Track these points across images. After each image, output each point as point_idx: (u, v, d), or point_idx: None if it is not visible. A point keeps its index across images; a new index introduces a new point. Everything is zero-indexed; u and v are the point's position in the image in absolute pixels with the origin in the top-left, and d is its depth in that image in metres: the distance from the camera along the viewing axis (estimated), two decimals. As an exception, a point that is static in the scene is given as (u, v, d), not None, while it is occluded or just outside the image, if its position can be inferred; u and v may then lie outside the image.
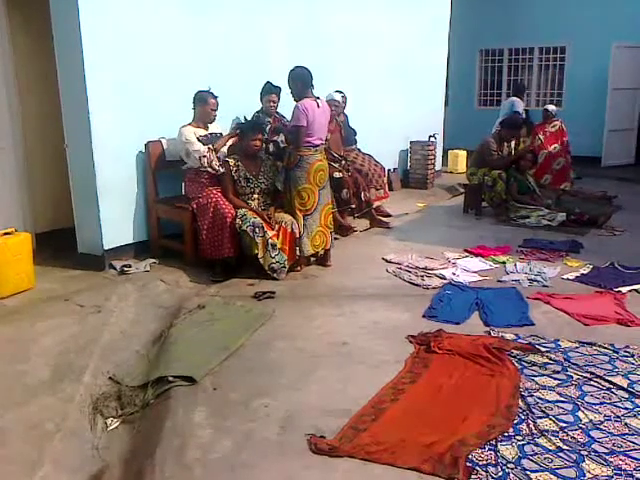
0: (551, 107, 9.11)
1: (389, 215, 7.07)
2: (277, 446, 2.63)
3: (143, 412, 2.95)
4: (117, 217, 5.05)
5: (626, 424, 2.74)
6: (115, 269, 4.92)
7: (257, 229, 4.65)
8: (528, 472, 2.40)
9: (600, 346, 3.56)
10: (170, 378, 3.16)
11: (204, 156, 4.86)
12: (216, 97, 5.05)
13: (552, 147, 8.68)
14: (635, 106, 11.08)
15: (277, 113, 6.03)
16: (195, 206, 4.92)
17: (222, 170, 4.92)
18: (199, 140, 4.95)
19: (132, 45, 4.99)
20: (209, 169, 4.91)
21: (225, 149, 5.11)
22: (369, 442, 2.61)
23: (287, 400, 3.00)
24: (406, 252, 5.54)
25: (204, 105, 5.02)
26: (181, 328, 3.84)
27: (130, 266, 4.93)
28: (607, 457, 2.49)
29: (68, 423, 2.85)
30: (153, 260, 5.12)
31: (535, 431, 2.68)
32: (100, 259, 4.96)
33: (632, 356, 3.43)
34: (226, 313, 4.10)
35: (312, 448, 2.58)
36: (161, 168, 5.24)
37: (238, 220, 4.70)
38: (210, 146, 4.92)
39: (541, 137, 8.70)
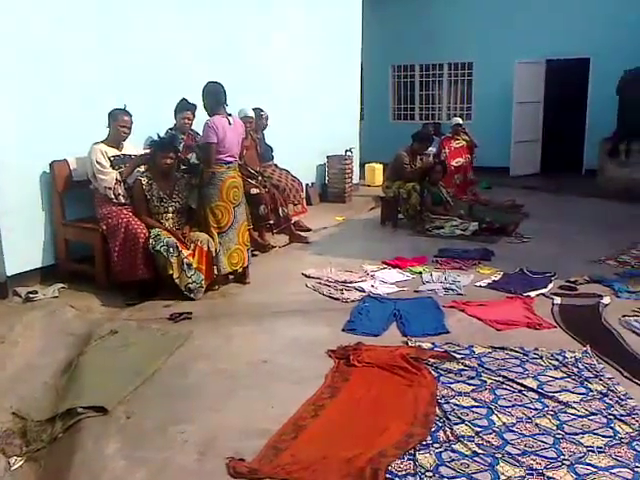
0: (459, 120, 9.46)
1: (308, 230, 7.09)
2: (195, 474, 2.55)
3: (50, 448, 2.80)
4: (21, 241, 4.77)
5: (536, 424, 2.84)
6: (20, 296, 4.64)
7: (171, 249, 4.53)
8: (445, 479, 2.43)
9: (511, 350, 3.69)
10: (80, 409, 3.00)
11: (109, 188, 4.73)
12: (130, 115, 4.89)
13: (455, 161, 8.99)
14: (539, 118, 11.70)
15: (191, 130, 5.94)
16: (105, 227, 4.73)
17: (128, 201, 4.81)
18: (110, 160, 4.79)
19: (35, 60, 4.77)
20: (114, 200, 4.77)
21: (142, 168, 4.97)
22: (290, 461, 2.57)
23: (206, 424, 2.92)
24: (325, 266, 5.55)
25: (115, 122, 4.85)
26: (92, 355, 3.67)
27: (36, 292, 4.67)
28: (519, 458, 2.56)
29: (-34, 466, 2.65)
30: (62, 285, 4.87)
31: (452, 438, 2.73)
32: (3, 286, 4.67)
33: (540, 357, 3.58)
34: (140, 337, 3.95)
35: (231, 472, 2.51)
36: (69, 188, 5.01)
37: (151, 240, 4.57)
38: (117, 176, 4.77)
39: (446, 151, 8.99)
